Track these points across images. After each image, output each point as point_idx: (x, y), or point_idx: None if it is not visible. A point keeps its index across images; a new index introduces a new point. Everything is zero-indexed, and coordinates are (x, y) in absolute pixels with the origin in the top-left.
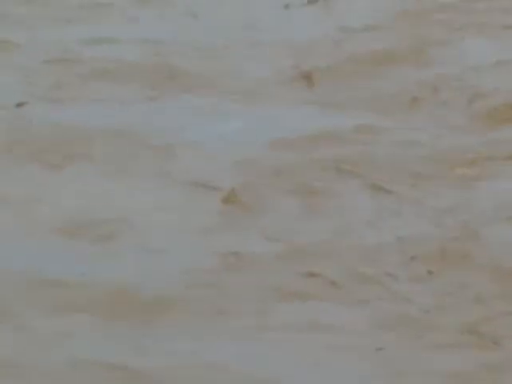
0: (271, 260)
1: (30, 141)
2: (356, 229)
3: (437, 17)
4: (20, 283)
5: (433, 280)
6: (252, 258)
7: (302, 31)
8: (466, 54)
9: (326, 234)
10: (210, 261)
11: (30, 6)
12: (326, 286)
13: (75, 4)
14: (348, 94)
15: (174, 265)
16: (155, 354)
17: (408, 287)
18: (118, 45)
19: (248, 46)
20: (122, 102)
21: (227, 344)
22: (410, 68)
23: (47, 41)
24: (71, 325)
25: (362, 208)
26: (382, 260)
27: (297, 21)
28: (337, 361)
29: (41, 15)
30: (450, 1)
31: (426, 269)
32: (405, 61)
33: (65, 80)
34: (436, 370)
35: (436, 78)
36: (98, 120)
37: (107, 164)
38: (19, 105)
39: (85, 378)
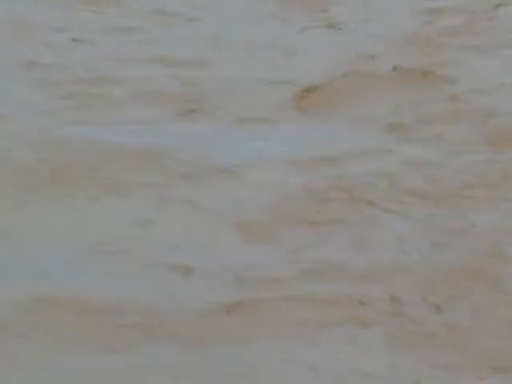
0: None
1: (65, 164)
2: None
3: (447, 39)
4: None
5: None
6: None
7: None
8: (478, 74)
9: None
10: None
11: None
12: None
13: (103, 26)
14: (358, 114)
15: None
16: None
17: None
18: (148, 66)
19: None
20: (154, 122)
21: None
22: (423, 88)
23: (79, 61)
24: None
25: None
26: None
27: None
28: None
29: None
30: (459, 22)
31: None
32: (417, 81)
33: (97, 101)
34: None
35: (449, 98)
36: (132, 141)
37: (143, 191)
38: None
39: None
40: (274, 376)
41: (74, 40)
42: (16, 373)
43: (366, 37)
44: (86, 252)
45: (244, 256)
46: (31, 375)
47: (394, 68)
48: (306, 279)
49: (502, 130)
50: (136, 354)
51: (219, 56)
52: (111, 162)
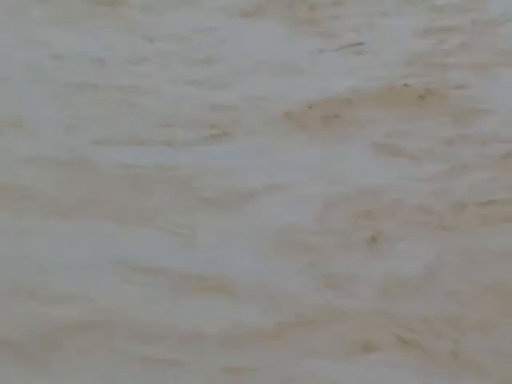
0: None
1: (91, 188)
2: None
3: (454, 59)
4: None
5: None
6: None
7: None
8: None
9: None
10: None
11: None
12: None
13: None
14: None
15: None
16: None
17: None
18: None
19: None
20: (183, 144)
21: None
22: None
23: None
24: None
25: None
26: None
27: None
28: None
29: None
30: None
31: None
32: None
33: (129, 123)
34: None
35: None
36: (157, 162)
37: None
38: None
39: None
40: None
41: (94, 60)
42: None
43: (375, 59)
44: (113, 271)
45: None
46: None
47: (403, 87)
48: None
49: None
50: None
51: (237, 77)
52: (137, 187)
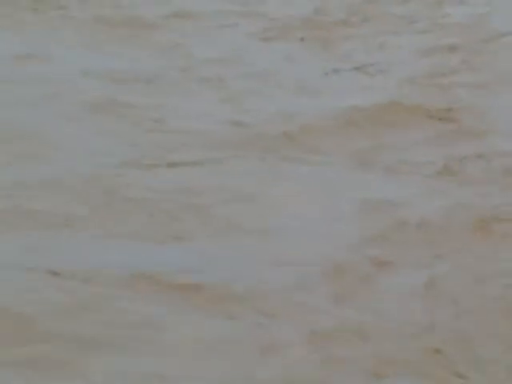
0: None
1: (121, 213)
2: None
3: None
4: None
5: None
6: None
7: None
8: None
9: None
10: None
11: None
12: None
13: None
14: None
15: None
16: None
17: None
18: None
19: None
20: (206, 163)
21: None
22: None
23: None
24: None
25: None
26: None
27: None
28: None
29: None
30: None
31: None
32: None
33: (155, 143)
34: None
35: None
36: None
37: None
38: None
39: None
40: None
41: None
42: None
43: (384, 79)
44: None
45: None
46: None
47: (409, 105)
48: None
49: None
50: None
51: (253, 96)
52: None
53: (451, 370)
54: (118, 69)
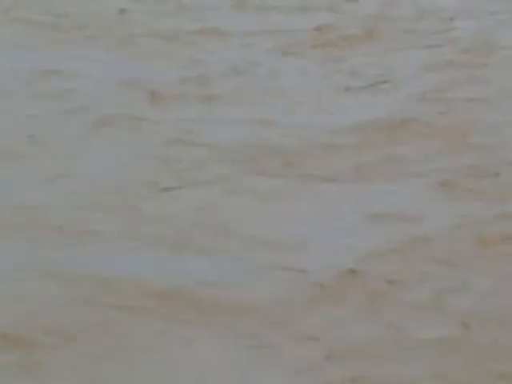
0: None
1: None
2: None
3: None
4: None
5: None
6: None
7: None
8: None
9: None
10: None
11: None
12: None
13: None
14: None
15: None
16: None
17: None
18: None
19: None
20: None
21: None
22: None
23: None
24: None
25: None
26: None
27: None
28: None
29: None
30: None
31: None
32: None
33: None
34: None
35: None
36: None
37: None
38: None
39: None
40: None
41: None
42: None
43: (395, 95)
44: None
45: None
46: None
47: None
48: None
49: None
50: None
51: (274, 114)
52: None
53: None
54: (143, 80)
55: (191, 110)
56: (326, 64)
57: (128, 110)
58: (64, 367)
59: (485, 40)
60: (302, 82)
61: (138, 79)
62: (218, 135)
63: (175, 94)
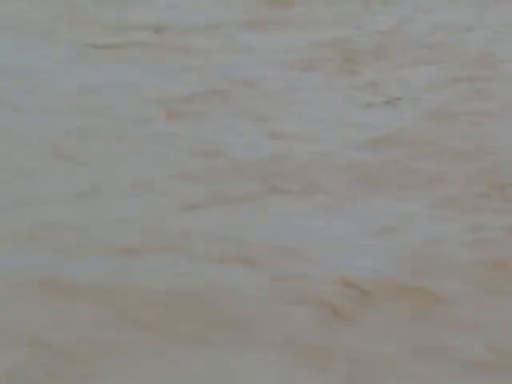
0: None
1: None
2: None
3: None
4: None
5: None
6: None
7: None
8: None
9: None
10: None
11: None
12: None
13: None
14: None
15: None
16: None
17: None
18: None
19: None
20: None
21: None
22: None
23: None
24: None
25: None
26: None
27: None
28: None
29: None
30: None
31: None
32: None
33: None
34: None
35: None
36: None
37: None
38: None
39: None
40: None
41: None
42: None
43: (405, 113)
44: None
45: None
46: None
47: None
48: None
49: None
50: None
51: (292, 129)
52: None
53: None
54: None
55: (212, 125)
56: (341, 80)
57: (150, 125)
58: None
59: (491, 54)
60: (318, 97)
61: (161, 93)
62: (239, 150)
63: (194, 109)
